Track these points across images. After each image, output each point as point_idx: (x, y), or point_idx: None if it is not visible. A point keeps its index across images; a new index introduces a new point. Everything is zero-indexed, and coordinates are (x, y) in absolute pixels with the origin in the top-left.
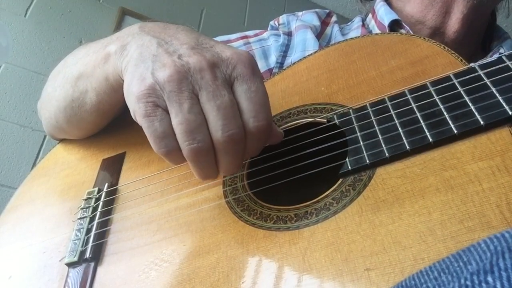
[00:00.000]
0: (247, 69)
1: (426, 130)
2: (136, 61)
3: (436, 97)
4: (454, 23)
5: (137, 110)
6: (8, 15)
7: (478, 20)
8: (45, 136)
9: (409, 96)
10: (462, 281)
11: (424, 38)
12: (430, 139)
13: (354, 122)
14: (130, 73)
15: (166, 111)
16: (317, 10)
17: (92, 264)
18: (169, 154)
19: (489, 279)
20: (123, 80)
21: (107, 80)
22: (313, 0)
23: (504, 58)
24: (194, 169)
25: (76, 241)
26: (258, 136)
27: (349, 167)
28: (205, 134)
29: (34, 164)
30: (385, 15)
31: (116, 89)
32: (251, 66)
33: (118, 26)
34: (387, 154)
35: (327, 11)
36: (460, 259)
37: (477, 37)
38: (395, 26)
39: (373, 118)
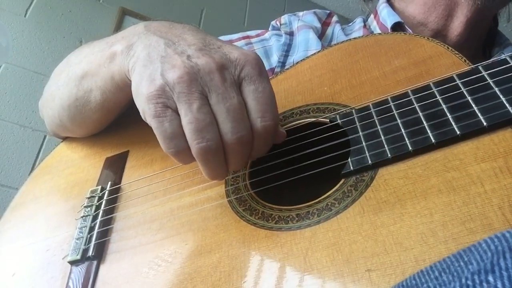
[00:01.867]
0: (255, 69)
1: (428, 131)
2: (144, 61)
3: (439, 98)
4: (457, 27)
5: (146, 110)
6: (8, 15)
7: (481, 24)
8: (45, 136)
9: (412, 97)
10: (463, 280)
11: (428, 38)
12: (433, 140)
13: (357, 122)
14: (139, 74)
15: (176, 112)
16: (316, 10)
17: (95, 262)
18: (178, 154)
19: (490, 278)
20: (129, 80)
21: (112, 79)
22: (313, 0)
23: (508, 59)
24: (203, 168)
25: (79, 239)
26: (265, 136)
27: (351, 167)
28: (214, 133)
29: (34, 164)
30: (387, 17)
31: (122, 88)
32: (258, 66)
33: (118, 26)
34: (389, 155)
35: (328, 11)
36: (461, 258)
37: (478, 41)
38: (397, 28)
39: (375, 118)
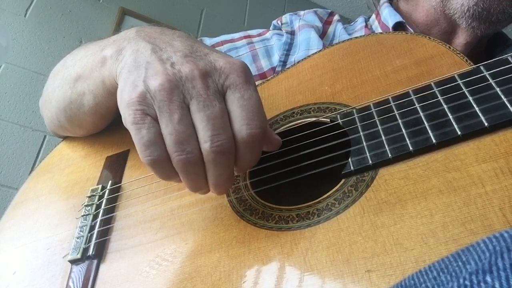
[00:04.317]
0: (240, 78)
1: (429, 131)
2: (130, 67)
3: (440, 98)
4: (457, 46)
5: (126, 117)
6: (8, 15)
7: (482, 42)
8: (45, 136)
9: (413, 97)
10: (461, 280)
11: (430, 38)
12: (434, 140)
13: (357, 122)
14: (123, 80)
15: (155, 120)
16: (317, 10)
17: (95, 261)
18: (154, 163)
19: (488, 278)
20: (117, 85)
21: (103, 84)
22: (313, 0)
23: (510, 59)
24: (184, 180)
25: (79, 238)
26: (251, 145)
27: (352, 167)
28: (195, 145)
29: (34, 164)
30: (389, 16)
31: (112, 92)
32: (245, 75)
33: (118, 26)
34: (390, 155)
35: (329, 11)
36: (459, 258)
37: (482, 46)
38: (399, 28)
39: (376, 118)
